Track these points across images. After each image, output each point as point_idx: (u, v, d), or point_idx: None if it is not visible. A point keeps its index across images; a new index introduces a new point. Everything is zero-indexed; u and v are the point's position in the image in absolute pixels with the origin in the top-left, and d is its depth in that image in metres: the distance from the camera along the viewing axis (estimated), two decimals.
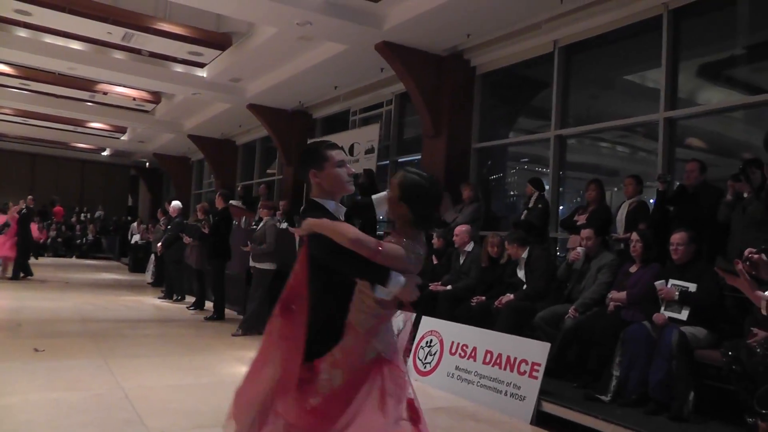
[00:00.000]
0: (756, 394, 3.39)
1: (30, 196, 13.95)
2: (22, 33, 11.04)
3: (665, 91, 6.62)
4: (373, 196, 2.72)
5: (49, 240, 21.40)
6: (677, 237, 4.85)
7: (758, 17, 6.22)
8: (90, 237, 23.41)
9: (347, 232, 2.30)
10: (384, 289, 2.30)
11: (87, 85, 14.77)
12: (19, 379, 5.03)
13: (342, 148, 2.70)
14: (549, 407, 4.66)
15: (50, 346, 6.33)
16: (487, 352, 5.31)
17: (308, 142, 12.14)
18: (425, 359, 5.89)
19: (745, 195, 4.97)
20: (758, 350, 3.56)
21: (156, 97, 15.77)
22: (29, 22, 10.61)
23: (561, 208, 8.10)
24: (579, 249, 5.81)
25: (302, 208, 2.69)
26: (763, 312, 2.36)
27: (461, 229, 7.03)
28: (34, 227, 14.37)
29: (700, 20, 6.66)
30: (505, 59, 8.67)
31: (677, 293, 4.67)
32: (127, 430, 3.91)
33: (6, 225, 12.48)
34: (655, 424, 4.21)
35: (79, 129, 20.19)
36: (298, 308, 2.39)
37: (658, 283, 4.79)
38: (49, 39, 11.22)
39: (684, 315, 4.63)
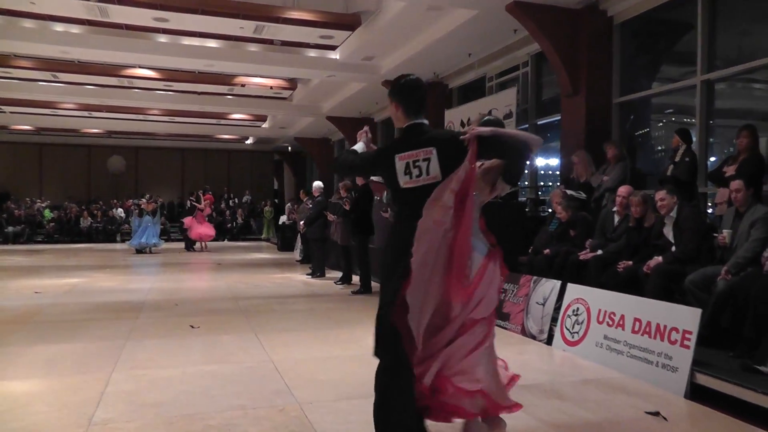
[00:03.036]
0: None
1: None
2: (162, 39, 11.88)
3: None
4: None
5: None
6: None
7: None
8: (239, 220, 25.00)
9: None
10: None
11: (225, 79, 15.65)
12: (177, 353, 5.42)
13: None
14: (703, 379, 4.28)
15: (205, 322, 6.78)
16: (635, 320, 4.99)
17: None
18: (572, 328, 5.68)
19: None
20: None
21: (292, 83, 16.35)
22: (167, 27, 11.36)
23: (713, 159, 7.45)
24: None
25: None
26: None
27: (627, 190, 6.55)
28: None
29: None
30: (644, 4, 8.06)
31: None
32: (277, 399, 4.08)
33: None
34: None
35: (222, 121, 21.49)
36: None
37: None
38: (187, 41, 12.00)
39: None
